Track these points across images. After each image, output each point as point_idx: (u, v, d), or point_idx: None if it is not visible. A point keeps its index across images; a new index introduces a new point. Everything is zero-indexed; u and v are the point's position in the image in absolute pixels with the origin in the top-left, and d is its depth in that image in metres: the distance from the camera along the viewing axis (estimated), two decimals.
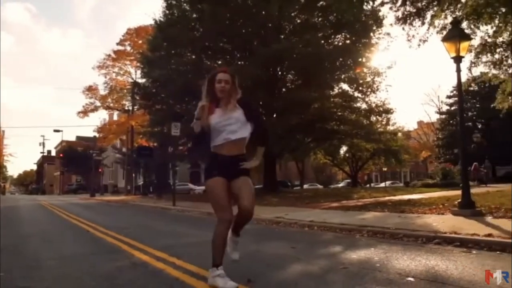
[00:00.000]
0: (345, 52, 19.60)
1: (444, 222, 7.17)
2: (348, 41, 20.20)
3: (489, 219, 7.44)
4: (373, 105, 22.07)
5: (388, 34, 19.37)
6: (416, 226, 6.96)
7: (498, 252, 4.88)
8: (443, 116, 46.88)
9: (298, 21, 20.98)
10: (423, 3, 10.43)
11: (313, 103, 19.95)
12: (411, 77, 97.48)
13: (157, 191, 30.32)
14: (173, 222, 11.24)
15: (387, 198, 15.03)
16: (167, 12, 21.68)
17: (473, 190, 15.89)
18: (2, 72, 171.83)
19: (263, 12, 19.55)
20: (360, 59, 20.33)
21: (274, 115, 20.02)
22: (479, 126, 40.49)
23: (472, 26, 10.63)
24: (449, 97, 44.21)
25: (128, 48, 38.06)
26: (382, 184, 51.72)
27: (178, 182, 48.39)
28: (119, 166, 54.70)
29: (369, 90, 21.07)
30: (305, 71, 19.89)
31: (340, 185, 56.35)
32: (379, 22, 19.06)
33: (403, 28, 11.06)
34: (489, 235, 5.59)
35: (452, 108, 42.79)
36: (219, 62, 21.62)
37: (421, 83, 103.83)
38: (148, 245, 5.96)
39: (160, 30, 21.79)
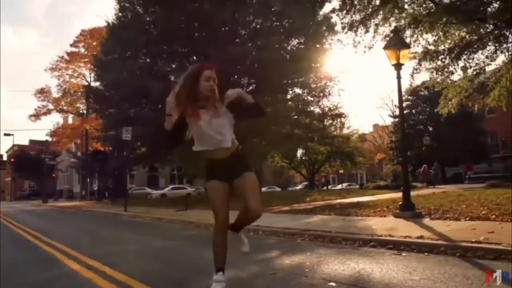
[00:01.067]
0: (298, 57, 19.90)
1: (383, 225, 7.40)
2: (301, 46, 20.50)
3: (426, 220, 7.74)
4: (326, 109, 22.51)
5: (340, 40, 19.84)
6: (356, 229, 7.16)
7: (426, 253, 5.08)
8: (396, 119, 48.41)
9: (253, 26, 21.10)
10: (368, 12, 10.77)
11: (265, 108, 20.09)
12: (367, 81, 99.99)
13: (112, 196, 29.64)
14: (120, 228, 11.05)
15: (338, 200, 15.33)
16: (120, 14, 21.31)
17: (421, 192, 16.83)
18: None
19: (218, 17, 19.54)
20: (313, 64, 20.70)
21: None
22: (430, 129, 42.03)
23: (414, 34, 11.06)
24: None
25: (82, 50, 37.14)
26: (339, 186, 52.72)
27: (135, 186, 47.84)
28: (74, 170, 53.07)
29: (322, 94, 21.49)
30: (259, 76, 20.05)
31: (298, 187, 57.10)
32: (331, 28, 19.51)
33: (350, 35, 11.40)
34: (421, 237, 5.82)
35: (404, 112, 44.29)
36: (174, 66, 21.43)
37: (377, 87, 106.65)
38: (85, 253, 5.84)
39: (112, 32, 21.40)
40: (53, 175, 50.53)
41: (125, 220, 13.49)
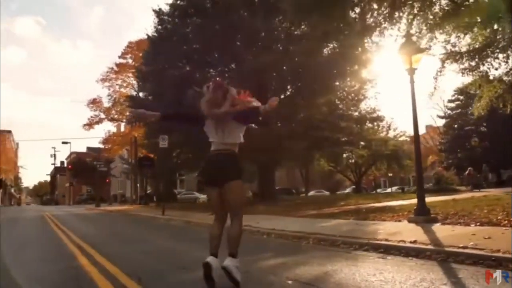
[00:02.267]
0: (332, 61, 19.93)
1: (390, 229, 7.47)
2: (336, 50, 20.49)
3: (436, 226, 7.68)
4: (364, 112, 22.37)
5: (376, 43, 19.61)
6: (361, 233, 7.26)
7: (410, 258, 5.17)
8: (447, 120, 46.80)
9: (285, 32, 21.38)
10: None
11: (299, 113, 20.33)
12: (420, 81, 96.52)
13: (160, 200, 30.79)
14: (146, 230, 11.75)
15: (369, 205, 15.25)
16: (159, 27, 22.31)
17: (460, 196, 16.40)
18: (15, 86, 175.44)
19: (251, 25, 20.01)
20: (348, 68, 20.65)
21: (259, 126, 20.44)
22: (482, 130, 40.25)
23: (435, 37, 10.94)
24: (450, 101, 44.17)
25: (130, 61, 38.96)
26: (389, 190, 51.54)
27: (184, 191, 49.20)
28: (127, 176, 55.48)
29: (357, 98, 21.37)
30: (293, 81, 20.30)
31: (346, 191, 56.39)
32: (366, 30, 19.35)
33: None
34: (414, 241, 5.87)
35: (453, 112, 42.83)
36: (209, 75, 22.12)
37: (425, 87, 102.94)
38: (99, 251, 6.44)
39: (152, 44, 22.44)
40: (107, 180, 53.15)
41: (158, 223, 14.19)
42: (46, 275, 4.73)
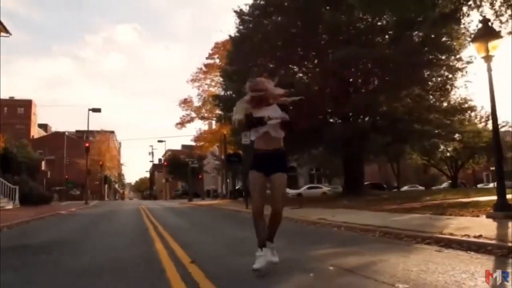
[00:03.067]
0: (417, 51, 19.15)
1: (461, 224, 7.22)
2: (418, 39, 19.65)
3: None
4: (454, 103, 21.20)
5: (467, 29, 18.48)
6: (429, 227, 7.10)
7: (470, 252, 5.07)
8: None
9: (364, 25, 20.95)
10: None
11: (382, 106, 19.86)
12: None
13: (246, 195, 31.83)
14: (227, 222, 12.41)
15: (455, 200, 14.58)
16: (241, 27, 23.07)
17: None
18: (117, 89, 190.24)
19: (332, 20, 19.93)
20: (435, 57, 19.74)
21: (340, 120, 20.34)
22: None
23: None
24: None
25: (217, 61, 40.49)
26: (491, 185, 47.80)
27: None
28: (217, 172, 57.83)
29: (444, 88, 20.30)
30: (377, 74, 19.90)
31: (442, 186, 53.37)
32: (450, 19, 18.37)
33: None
34: (479, 236, 5.69)
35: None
36: (292, 72, 22.44)
37: None
38: (176, 238, 7.15)
39: (235, 45, 23.27)
40: (199, 176, 55.89)
41: (238, 216, 14.85)
42: (126, 257, 5.42)
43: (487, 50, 8.40)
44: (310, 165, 44.73)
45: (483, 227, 6.67)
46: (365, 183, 43.48)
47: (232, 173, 41.61)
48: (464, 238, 5.71)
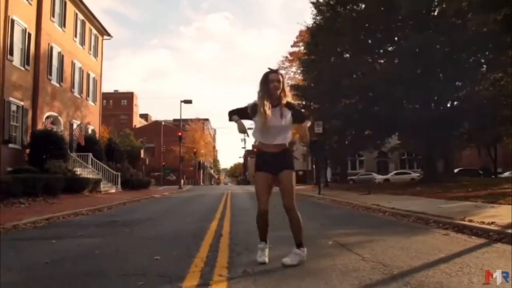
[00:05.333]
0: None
1: (497, 212, 7.56)
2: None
3: None
4: None
5: None
6: (462, 214, 7.50)
7: (475, 237, 5.61)
8: None
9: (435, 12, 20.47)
10: None
11: (460, 91, 19.46)
12: None
13: (326, 181, 32.61)
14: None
15: None
16: (318, 18, 23.72)
17: None
18: (211, 77, 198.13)
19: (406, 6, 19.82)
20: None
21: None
22: None
23: None
24: None
25: (302, 49, 41.21)
26: None
27: (363, 172, 50.01)
28: (303, 158, 58.84)
29: None
30: (455, 60, 19.54)
31: None
32: None
33: None
34: (491, 223, 6.17)
35: None
36: (368, 59, 22.65)
37: None
38: (232, 219, 8.56)
39: (312, 35, 24.01)
40: None
41: (307, 200, 15.96)
42: (183, 230, 6.84)
43: None
44: (401, 150, 43.89)
45: (508, 215, 7.02)
46: (459, 169, 41.84)
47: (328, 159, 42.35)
48: (473, 224, 6.25)
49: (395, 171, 46.90)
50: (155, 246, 5.26)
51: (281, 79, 3.98)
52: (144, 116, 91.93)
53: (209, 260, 4.22)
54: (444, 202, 10.91)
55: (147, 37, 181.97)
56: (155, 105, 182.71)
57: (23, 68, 19.99)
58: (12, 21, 18.83)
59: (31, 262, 4.36)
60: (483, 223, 6.29)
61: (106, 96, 60.84)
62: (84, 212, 10.92)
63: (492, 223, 6.18)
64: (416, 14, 20.15)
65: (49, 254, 4.79)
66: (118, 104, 79.36)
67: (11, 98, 18.92)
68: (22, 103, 19.84)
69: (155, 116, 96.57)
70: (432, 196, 13.09)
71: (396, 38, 22.10)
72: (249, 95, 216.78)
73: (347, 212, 10.32)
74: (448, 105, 22.13)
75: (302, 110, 4.43)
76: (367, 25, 21.78)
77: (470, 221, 6.62)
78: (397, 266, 3.72)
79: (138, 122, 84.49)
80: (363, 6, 22.33)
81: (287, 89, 4.14)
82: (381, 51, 22.76)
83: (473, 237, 5.61)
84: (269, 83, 3.93)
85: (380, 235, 5.89)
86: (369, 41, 22.88)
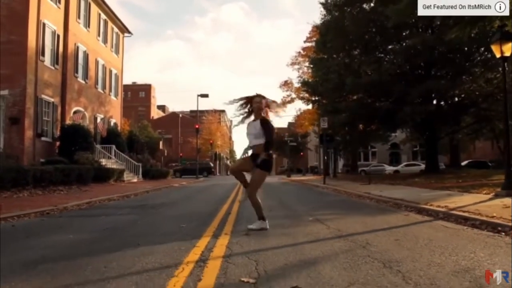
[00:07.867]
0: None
1: (461, 200, 9.11)
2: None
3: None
4: None
5: None
6: (432, 200, 9.01)
7: (427, 216, 7.21)
8: None
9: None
10: None
11: (449, 91, 20.84)
12: None
13: (334, 171, 34.11)
14: (293, 193, 15.21)
15: None
16: (326, 17, 25.08)
17: None
18: (226, 68, 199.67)
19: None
20: None
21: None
22: None
23: None
24: None
25: (315, 44, 42.52)
26: None
27: (375, 163, 51.20)
28: (315, 149, 60.27)
29: None
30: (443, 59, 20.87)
31: None
32: None
33: None
34: (444, 206, 7.74)
35: None
36: (373, 58, 23.94)
37: None
38: (241, 203, 10.08)
39: (320, 34, 25.41)
40: (301, 154, 59.01)
41: (312, 190, 17.60)
42: (199, 211, 8.56)
43: (502, 52, 9.89)
44: (413, 142, 44.97)
45: (467, 201, 8.54)
46: (469, 160, 42.78)
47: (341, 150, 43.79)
48: (431, 207, 7.83)
49: (406, 163, 48.02)
50: (180, 220, 6.99)
51: (263, 102, 5.71)
52: (162, 108, 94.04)
53: (219, 227, 5.96)
54: (428, 191, 12.39)
55: (162, 28, 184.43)
56: (171, 96, 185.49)
57: (53, 68, 21.92)
58: (44, 24, 20.72)
59: (95, 229, 6.15)
60: (439, 206, 7.86)
61: (124, 88, 62.22)
62: (115, 197, 12.78)
63: (445, 206, 7.75)
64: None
65: (104, 224, 6.60)
66: (136, 96, 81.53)
67: (43, 96, 20.89)
68: (52, 99, 21.81)
69: (172, 107, 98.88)
70: (424, 186, 14.52)
71: (398, 38, 23.37)
72: (264, 86, 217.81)
73: (341, 199, 11.95)
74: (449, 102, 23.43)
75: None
76: (372, 25, 23.06)
77: (431, 205, 8.18)
78: (347, 232, 5.36)
79: (155, 114, 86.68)
80: (369, 6, 23.48)
81: (265, 109, 5.78)
82: (387, 49, 24.02)
83: (425, 216, 7.19)
84: (254, 103, 5.78)
85: (353, 215, 7.54)
86: (376, 39, 24.12)
